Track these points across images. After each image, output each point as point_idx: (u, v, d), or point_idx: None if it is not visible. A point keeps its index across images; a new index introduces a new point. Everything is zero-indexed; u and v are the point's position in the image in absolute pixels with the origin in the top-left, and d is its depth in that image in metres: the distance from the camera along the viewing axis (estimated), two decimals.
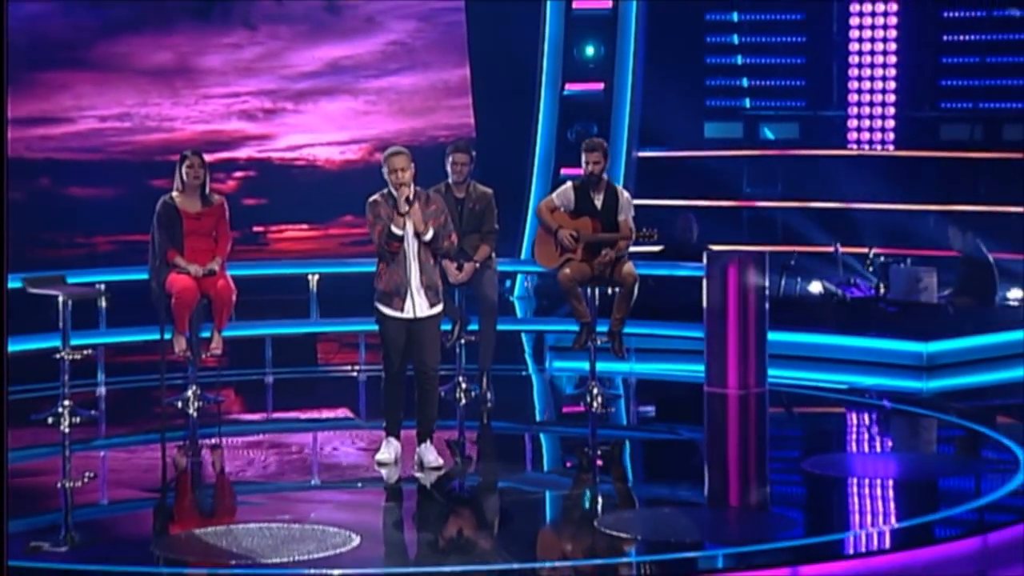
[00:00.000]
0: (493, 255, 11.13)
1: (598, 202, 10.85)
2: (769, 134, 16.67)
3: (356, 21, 16.61)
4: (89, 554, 8.12)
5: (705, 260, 12.00)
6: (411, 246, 9.05)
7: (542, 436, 11.59)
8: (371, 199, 9.16)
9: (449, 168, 10.97)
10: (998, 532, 7.94)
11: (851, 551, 7.94)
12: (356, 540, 7.83)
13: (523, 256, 14.88)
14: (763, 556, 7.64)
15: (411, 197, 8.92)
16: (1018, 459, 9.45)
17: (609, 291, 11.58)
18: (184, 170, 10.93)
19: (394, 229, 8.88)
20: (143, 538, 8.43)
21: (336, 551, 7.73)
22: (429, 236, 8.94)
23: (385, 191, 9.03)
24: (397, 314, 9.22)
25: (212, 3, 16.35)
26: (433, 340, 9.40)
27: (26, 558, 7.75)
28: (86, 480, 9.68)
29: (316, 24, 16.45)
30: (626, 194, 11.29)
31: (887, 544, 8.10)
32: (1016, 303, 14.49)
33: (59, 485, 9.50)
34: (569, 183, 11.21)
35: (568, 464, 10.79)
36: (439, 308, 9.32)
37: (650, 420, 12.13)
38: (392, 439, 9.34)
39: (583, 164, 11.00)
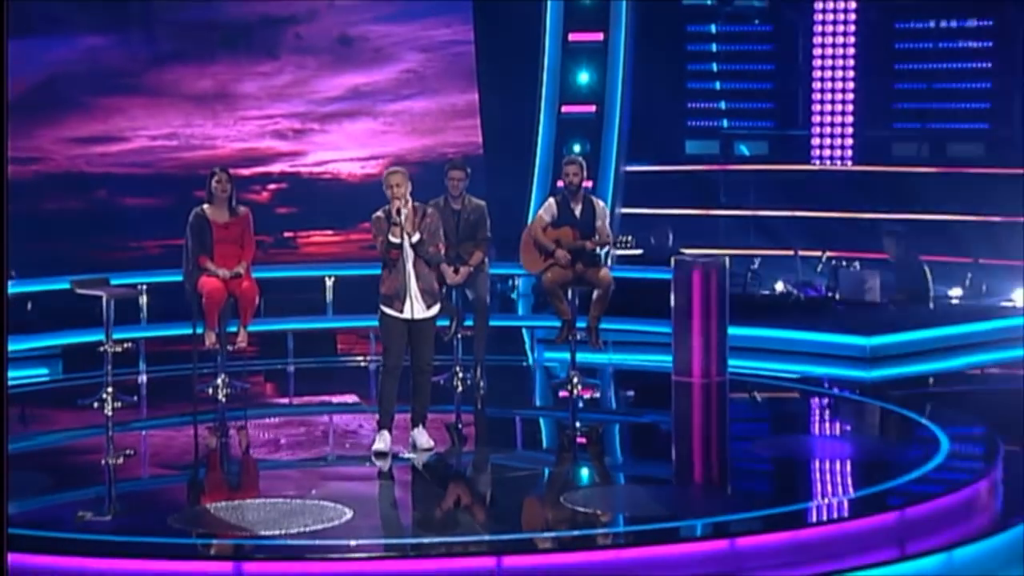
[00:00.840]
0: (486, 259, 11.48)
1: (577, 211, 11.05)
2: (744, 150, 17.01)
3: (372, 52, 16.98)
4: (128, 524, 8.54)
5: (672, 265, 12.45)
6: (409, 257, 9.33)
7: (528, 420, 11.89)
8: (375, 215, 9.44)
9: (447, 184, 11.31)
10: (916, 507, 8.42)
11: (780, 523, 8.20)
12: (349, 514, 8.23)
13: None
14: (711, 527, 8.17)
15: (402, 209, 9.21)
16: (940, 442, 9.90)
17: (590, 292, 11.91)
18: (213, 184, 11.16)
19: (391, 238, 9.14)
20: (173, 509, 8.82)
21: (329, 524, 8.14)
22: (415, 239, 9.22)
23: (387, 207, 9.31)
24: (397, 315, 9.31)
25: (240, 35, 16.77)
26: (428, 338, 9.64)
27: (75, 529, 8.26)
28: (126, 457, 10.21)
29: (337, 56, 16.80)
30: (601, 203, 11.66)
31: (814, 518, 8.55)
32: (956, 300, 14.88)
33: (103, 462, 10.08)
34: (552, 198, 11.61)
35: (547, 445, 11.20)
36: (435, 310, 9.60)
37: (624, 405, 12.66)
38: (384, 432, 9.54)
39: (563, 176, 11.42)
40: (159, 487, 9.79)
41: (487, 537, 8.11)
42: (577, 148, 16.70)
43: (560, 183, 12.11)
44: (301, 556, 7.64)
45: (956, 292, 14.94)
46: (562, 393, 12.21)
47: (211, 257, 11.10)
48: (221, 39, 16.61)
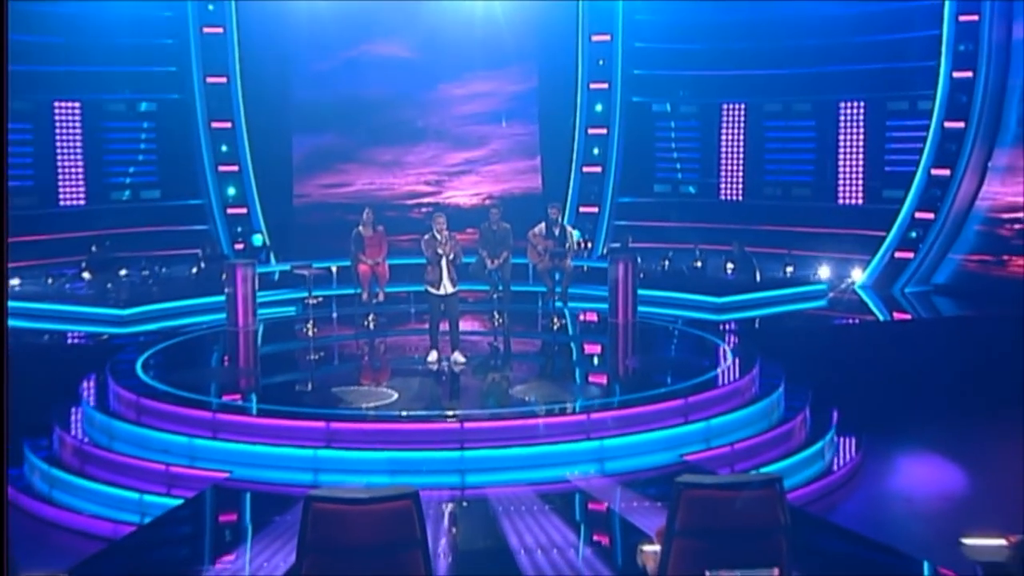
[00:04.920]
0: (509, 256, 13.74)
1: (556, 231, 13.90)
2: (691, 190, 18.50)
3: (476, 139, 18.56)
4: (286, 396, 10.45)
5: (607, 254, 15.64)
6: (444, 259, 11.04)
7: (521, 342, 13.51)
8: (425, 237, 11.18)
9: (490, 216, 14.00)
10: (695, 395, 10.08)
11: (622, 404, 10.02)
12: (395, 396, 10.26)
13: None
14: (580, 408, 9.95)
15: (443, 235, 10.98)
16: (728, 356, 11.77)
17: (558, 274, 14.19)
18: (364, 215, 13.96)
19: (437, 250, 10.97)
20: (328, 386, 10.84)
21: (381, 402, 10.15)
22: (452, 256, 11.03)
23: (430, 232, 11.17)
24: (435, 291, 11.22)
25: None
26: (454, 304, 11.34)
27: (278, 401, 10.09)
28: (317, 357, 12.51)
29: (457, 141, 18.57)
30: (570, 228, 14.41)
31: (634, 399, 10.10)
32: (789, 274, 16.26)
33: (307, 358, 12.33)
34: (543, 223, 14.10)
35: (524, 360, 12.78)
36: (457, 287, 11.26)
37: (576, 335, 14.08)
38: (433, 350, 11.37)
39: (549, 213, 14.10)
40: (324, 373, 11.82)
41: (458, 412, 9.93)
42: (592, 190, 18.20)
43: (552, 213, 14.22)
44: (361, 418, 9.76)
45: (789, 269, 16.35)
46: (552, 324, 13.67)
47: (364, 252, 13.85)
48: (394, 134, 18.24)
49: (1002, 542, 5.21)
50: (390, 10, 17.23)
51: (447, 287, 11.03)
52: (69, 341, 13.55)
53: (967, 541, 5.31)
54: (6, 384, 4.22)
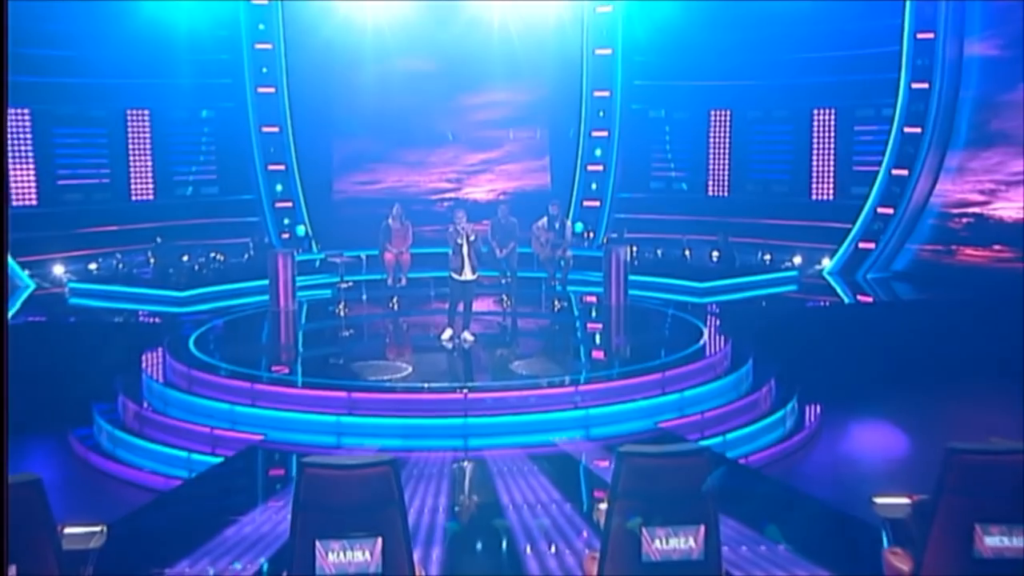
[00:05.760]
0: (516, 246, 14.14)
1: (556, 225, 14.26)
2: (683, 186, 18.28)
3: (490, 141, 18.43)
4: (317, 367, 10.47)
5: (606, 243, 15.77)
6: (465, 249, 11.22)
7: (526, 322, 13.55)
8: (448, 230, 11.34)
9: (499, 212, 14.40)
10: (672, 369, 10.20)
11: (607, 378, 10.05)
12: (409, 369, 10.44)
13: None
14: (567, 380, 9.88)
15: (464, 229, 11.15)
16: (703, 334, 11.75)
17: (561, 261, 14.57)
18: (394, 209, 14.46)
19: (458, 240, 11.16)
20: (353, 359, 10.94)
21: (396, 376, 10.23)
22: (472, 238, 11.18)
23: (452, 226, 11.34)
24: (458, 278, 11.34)
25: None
26: (472, 289, 11.46)
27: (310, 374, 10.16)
28: (349, 333, 12.68)
29: (474, 144, 18.55)
30: (569, 222, 14.66)
31: (619, 371, 10.35)
32: (767, 262, 16.16)
33: (341, 334, 12.49)
34: (545, 217, 14.38)
35: (527, 337, 12.69)
36: (477, 275, 11.46)
37: (575, 315, 14.16)
38: (449, 328, 11.49)
39: (549, 209, 14.34)
40: (351, 348, 11.83)
41: (464, 384, 9.98)
42: (595, 186, 18.24)
43: (552, 209, 14.57)
44: (378, 389, 9.80)
45: (767, 257, 16.26)
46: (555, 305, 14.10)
47: (391, 242, 14.29)
48: (420, 138, 18.21)
49: (906, 501, 5.19)
50: (416, 30, 17.35)
51: (468, 274, 11.16)
52: (137, 319, 13.64)
53: (877, 499, 5.26)
54: (6, 383, 4.10)
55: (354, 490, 4.52)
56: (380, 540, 4.49)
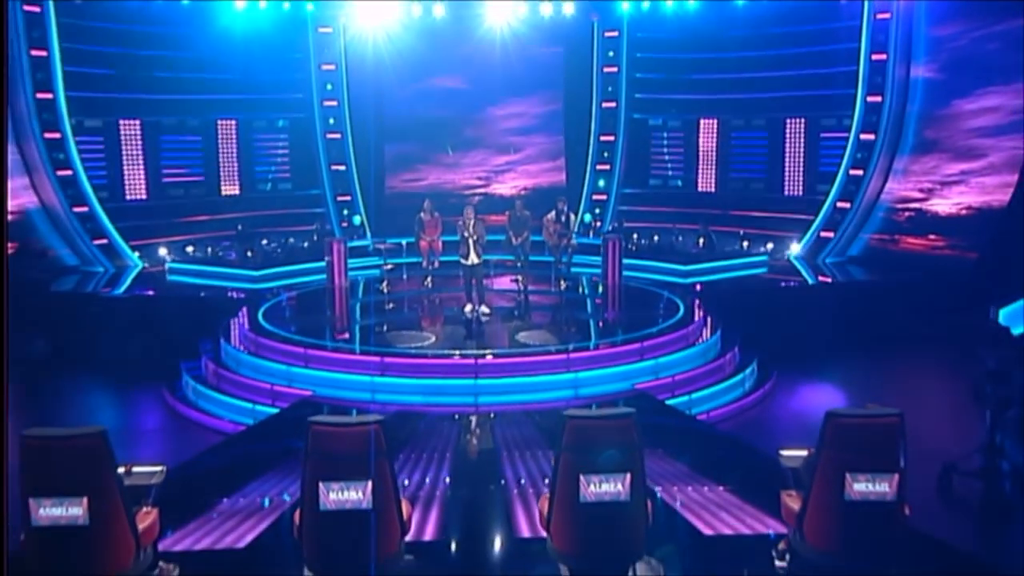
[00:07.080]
0: (528, 235, 13.60)
1: (563, 217, 13.75)
2: (678, 183, 17.86)
3: (514, 146, 18.09)
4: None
5: (603, 234, 14.73)
6: (471, 239, 11.29)
7: (535, 298, 13.19)
8: (458, 222, 11.24)
9: (515, 205, 13.84)
10: (650, 339, 9.90)
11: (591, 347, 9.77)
12: (432, 338, 10.35)
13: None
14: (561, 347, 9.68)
15: (471, 223, 11.14)
16: (680, 307, 11.69)
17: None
18: (425, 203, 13.93)
19: (464, 233, 11.20)
20: (389, 329, 10.73)
21: (422, 343, 10.15)
22: (476, 236, 11.19)
23: (464, 219, 11.30)
24: (464, 262, 11.48)
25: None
26: (479, 271, 11.48)
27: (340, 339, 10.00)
28: (389, 306, 12.53)
29: (499, 148, 18.23)
30: (572, 215, 13.98)
31: (600, 342, 10.10)
32: (745, 247, 15.34)
33: (385, 306, 12.31)
34: (553, 210, 13.85)
35: (535, 312, 12.21)
36: (481, 259, 11.41)
37: (577, 293, 13.86)
38: (468, 303, 11.53)
39: (557, 204, 13.86)
40: (390, 319, 11.65)
41: (476, 351, 9.92)
42: (602, 183, 17.80)
43: (560, 204, 14.06)
44: (405, 354, 9.75)
45: (745, 244, 15.38)
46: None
47: (423, 232, 13.88)
48: (455, 143, 18.02)
49: (803, 453, 5.29)
50: (451, 52, 17.17)
51: (473, 259, 11.28)
52: (222, 294, 13.67)
53: (783, 452, 5.33)
54: (6, 382, 3.97)
55: (350, 443, 4.74)
56: (370, 483, 4.77)
